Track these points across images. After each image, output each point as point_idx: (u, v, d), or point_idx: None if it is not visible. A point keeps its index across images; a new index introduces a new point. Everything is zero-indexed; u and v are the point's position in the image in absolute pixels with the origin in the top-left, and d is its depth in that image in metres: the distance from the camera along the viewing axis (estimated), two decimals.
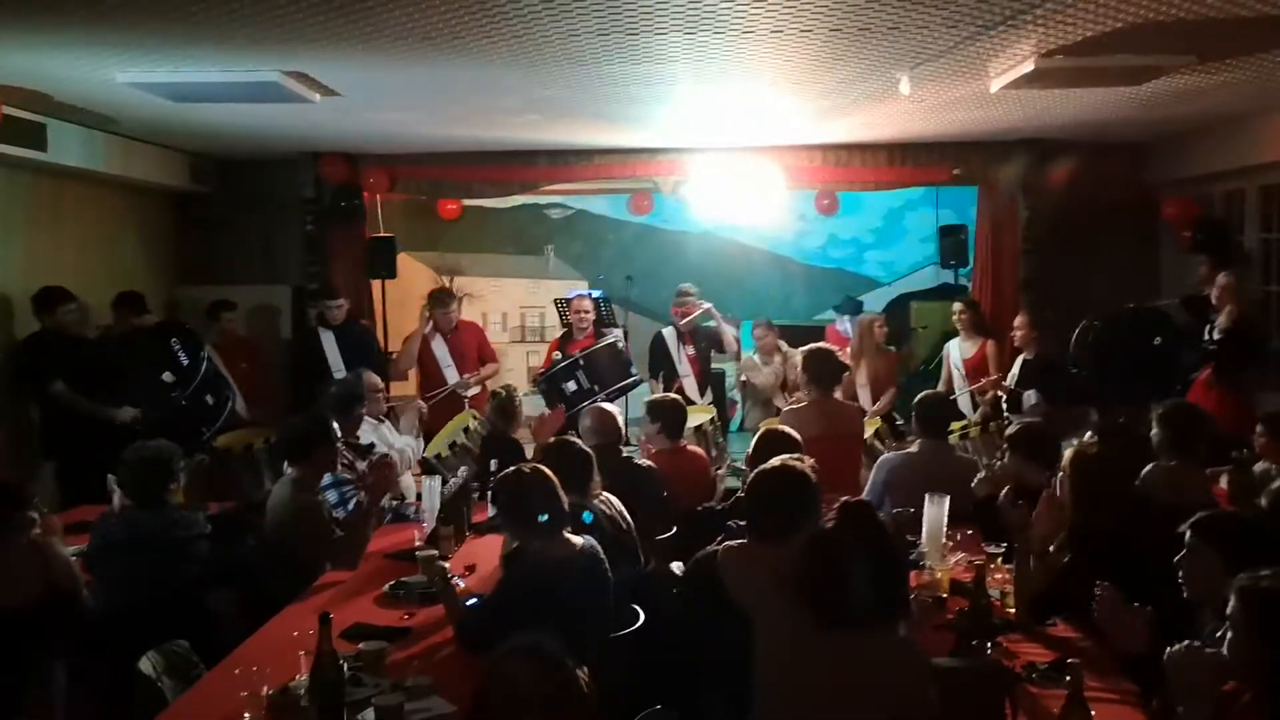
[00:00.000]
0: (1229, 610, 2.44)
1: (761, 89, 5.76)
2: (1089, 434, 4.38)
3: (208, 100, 5.67)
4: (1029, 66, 5.01)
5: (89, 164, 6.89)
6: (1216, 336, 6.52)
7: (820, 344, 5.81)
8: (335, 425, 4.93)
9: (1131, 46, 4.83)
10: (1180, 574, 3.07)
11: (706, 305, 7.91)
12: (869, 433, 6.92)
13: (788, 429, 4.80)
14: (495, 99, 6.02)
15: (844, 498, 3.12)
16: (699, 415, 7.36)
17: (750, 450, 4.67)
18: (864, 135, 7.89)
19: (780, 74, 5.33)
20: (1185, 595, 3.07)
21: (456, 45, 4.56)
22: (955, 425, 6.68)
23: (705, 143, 8.22)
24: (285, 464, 4.91)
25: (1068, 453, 4.02)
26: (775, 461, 3.62)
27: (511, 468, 3.93)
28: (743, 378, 8.27)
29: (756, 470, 3.63)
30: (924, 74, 5.32)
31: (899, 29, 4.41)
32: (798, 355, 5.87)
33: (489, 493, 5.39)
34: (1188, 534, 3.06)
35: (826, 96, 6.03)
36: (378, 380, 6.23)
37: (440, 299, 7.94)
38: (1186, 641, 2.63)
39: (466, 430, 6.46)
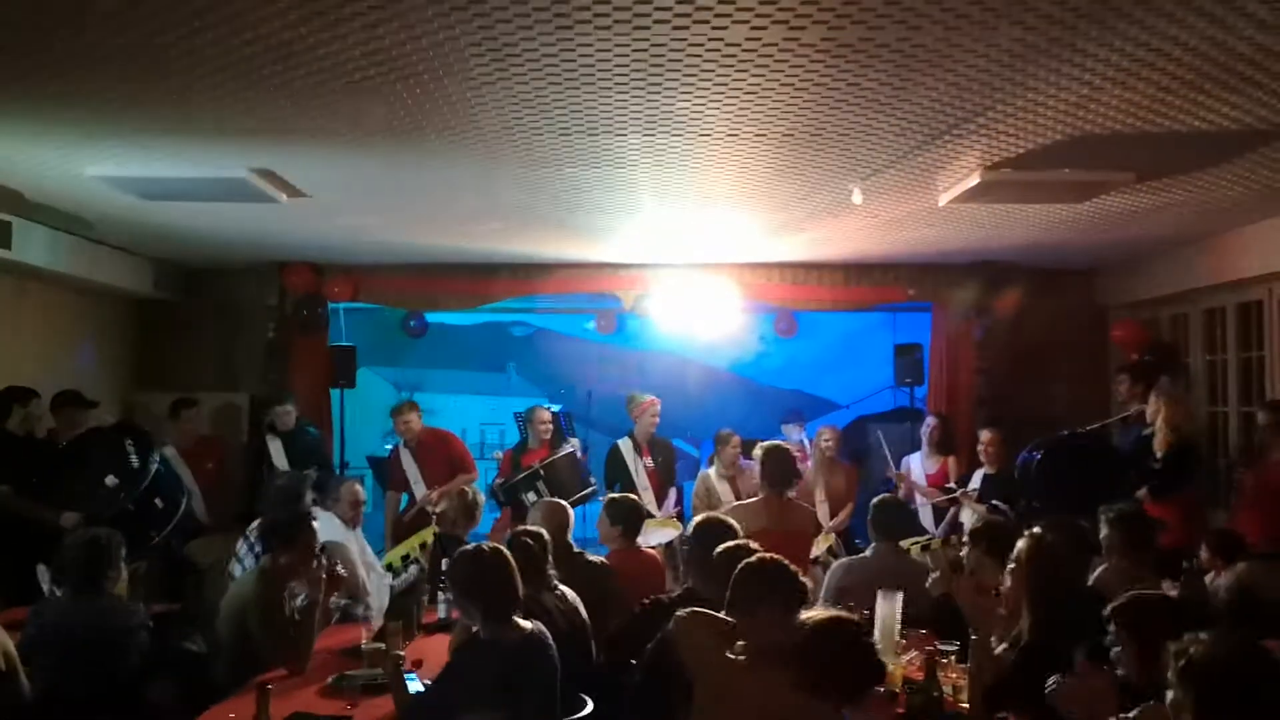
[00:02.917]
0: (1170, 675, 2.48)
1: (719, 198, 5.92)
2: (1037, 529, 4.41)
3: (176, 198, 5.74)
4: (975, 179, 5.20)
5: (53, 265, 6.91)
6: (1157, 456, 6.62)
7: (778, 442, 5.84)
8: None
9: (1072, 161, 5.05)
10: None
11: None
12: (822, 549, 6.92)
13: (726, 518, 4.79)
14: (458, 201, 6.14)
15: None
16: (663, 530, 7.33)
17: (690, 533, 4.65)
18: (820, 253, 8.10)
19: (737, 182, 5.50)
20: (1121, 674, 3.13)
21: (418, 139, 4.67)
22: (918, 540, 6.73)
23: (666, 259, 8.40)
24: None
25: (1021, 543, 4.06)
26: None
27: (470, 546, 3.90)
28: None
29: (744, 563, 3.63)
30: (875, 185, 5.51)
31: (849, 135, 4.58)
32: (757, 451, 5.89)
33: (438, 594, 5.35)
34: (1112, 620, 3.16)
35: (783, 209, 6.21)
36: (360, 491, 6.17)
37: (397, 408, 7.96)
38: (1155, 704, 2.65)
39: (424, 546, 6.41)
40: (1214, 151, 4.90)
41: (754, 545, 3.95)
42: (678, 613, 3.49)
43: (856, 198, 5.57)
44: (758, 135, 4.59)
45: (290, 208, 5.96)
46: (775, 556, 3.62)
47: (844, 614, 3.22)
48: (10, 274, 6.98)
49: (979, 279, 8.34)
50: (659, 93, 3.98)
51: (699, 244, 7.74)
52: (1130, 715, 2.68)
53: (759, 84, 3.87)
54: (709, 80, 3.83)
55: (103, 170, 5.22)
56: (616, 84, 3.88)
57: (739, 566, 3.52)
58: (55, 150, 4.97)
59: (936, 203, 5.85)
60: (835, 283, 8.66)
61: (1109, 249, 7.78)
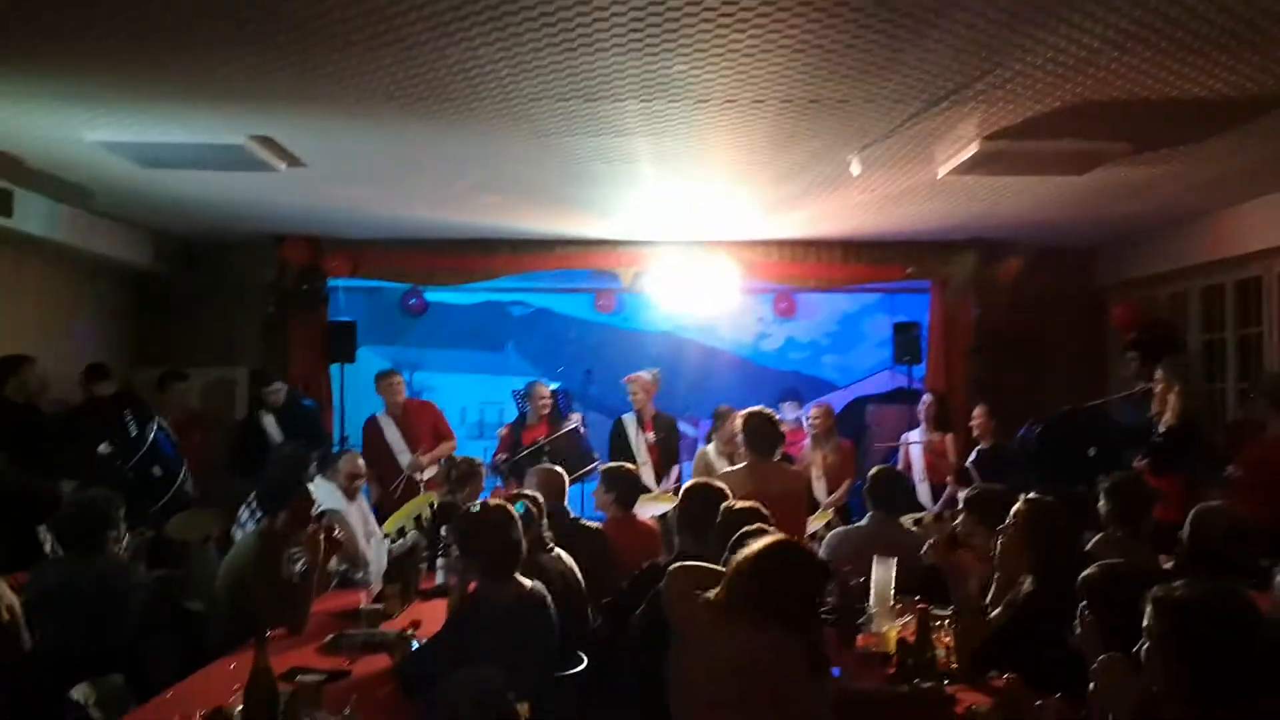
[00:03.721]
0: (1145, 623, 2.48)
1: (717, 169, 5.93)
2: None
3: (175, 166, 5.75)
4: (973, 149, 5.21)
5: (53, 234, 6.93)
6: (1160, 432, 6.64)
7: (759, 408, 5.84)
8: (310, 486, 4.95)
9: (1071, 131, 5.06)
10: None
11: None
12: (820, 525, 6.94)
13: (715, 481, 4.82)
14: (457, 174, 6.15)
15: None
16: (659, 504, 7.34)
17: (679, 501, 4.68)
18: (819, 230, 8.11)
19: (735, 151, 5.50)
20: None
21: (418, 107, 4.69)
22: (911, 515, 6.76)
23: (665, 236, 8.41)
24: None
25: (1018, 505, 4.07)
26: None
27: (476, 503, 3.95)
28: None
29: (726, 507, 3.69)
30: (873, 156, 5.51)
31: (848, 102, 4.59)
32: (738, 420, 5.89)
33: (436, 560, 5.39)
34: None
35: (781, 181, 6.22)
36: (361, 464, 6.19)
37: (385, 373, 8.05)
38: (1112, 653, 2.65)
39: (419, 518, 6.44)
40: (1212, 121, 4.91)
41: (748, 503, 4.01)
42: (670, 567, 3.52)
43: (855, 169, 5.57)
44: (755, 101, 4.60)
45: (289, 177, 5.96)
46: (755, 504, 3.72)
47: (781, 537, 3.24)
48: (10, 244, 6.99)
49: (976, 257, 8.35)
50: (656, 55, 3.98)
51: (698, 221, 7.75)
52: (1094, 668, 2.66)
53: (756, 46, 3.88)
54: (706, 41, 3.83)
55: (101, 135, 5.23)
56: (614, 45, 3.89)
57: (722, 510, 3.59)
58: (54, 114, 4.97)
59: (935, 175, 5.86)
60: (833, 260, 8.67)
61: (1107, 226, 7.79)
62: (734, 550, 3.37)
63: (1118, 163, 5.64)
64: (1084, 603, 3.08)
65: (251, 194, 6.78)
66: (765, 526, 3.67)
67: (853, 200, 6.76)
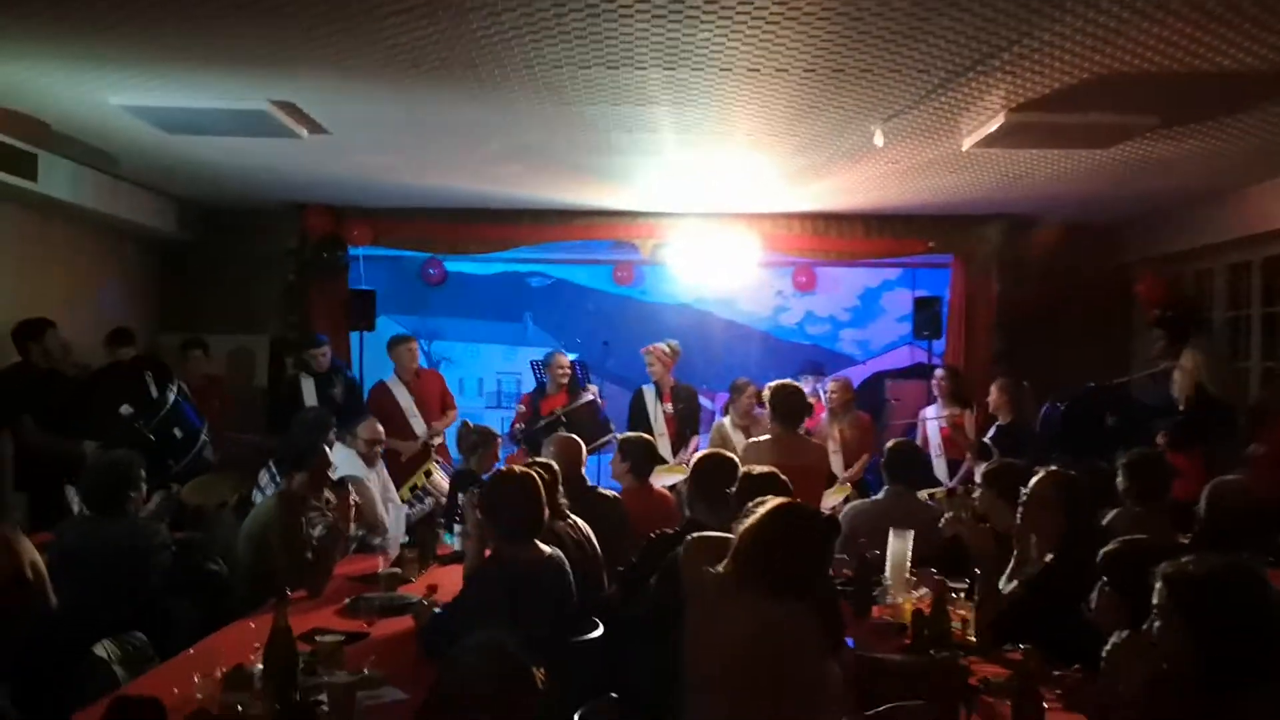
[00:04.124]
0: (1155, 599, 2.46)
1: (739, 139, 5.89)
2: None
3: (197, 131, 5.76)
4: (999, 121, 5.17)
5: (78, 199, 6.96)
6: (1180, 408, 6.61)
7: (787, 381, 5.84)
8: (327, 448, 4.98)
9: (1098, 104, 5.01)
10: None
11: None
12: (838, 499, 6.94)
13: (726, 452, 4.83)
14: (478, 143, 6.15)
15: None
16: (674, 475, 7.36)
17: (691, 471, 4.68)
18: (840, 203, 8.06)
19: (757, 122, 5.47)
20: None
21: (440, 73, 4.68)
22: (927, 490, 6.75)
23: (685, 207, 8.38)
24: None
25: (1038, 477, 4.06)
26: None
27: (501, 469, 3.99)
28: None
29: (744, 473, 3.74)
30: (898, 128, 5.47)
31: (872, 71, 4.55)
32: (765, 392, 5.90)
33: (453, 526, 5.43)
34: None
35: (804, 152, 6.18)
36: (380, 430, 6.23)
37: (401, 338, 8.09)
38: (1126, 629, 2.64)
39: (428, 474, 6.51)
40: (1241, 95, 4.85)
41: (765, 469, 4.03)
42: (687, 538, 3.52)
43: (878, 140, 5.53)
44: (779, 70, 4.56)
45: (311, 145, 5.97)
46: (773, 470, 3.71)
47: (783, 500, 3.21)
48: (37, 209, 7.03)
49: (1000, 231, 8.29)
50: (680, 21, 3.95)
51: (718, 192, 7.71)
52: (1109, 646, 2.65)
53: (781, 12, 3.84)
54: (731, 7, 3.80)
55: (125, 100, 5.24)
56: (639, 11, 3.86)
57: (740, 475, 3.58)
58: (78, 78, 4.98)
59: (959, 147, 5.81)
60: (855, 234, 8.62)
61: (1132, 202, 7.72)
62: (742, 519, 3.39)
63: (1145, 137, 5.58)
64: (1104, 578, 3.08)
65: (274, 161, 6.80)
66: (779, 496, 3.68)
67: (875, 172, 6.72)
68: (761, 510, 3.08)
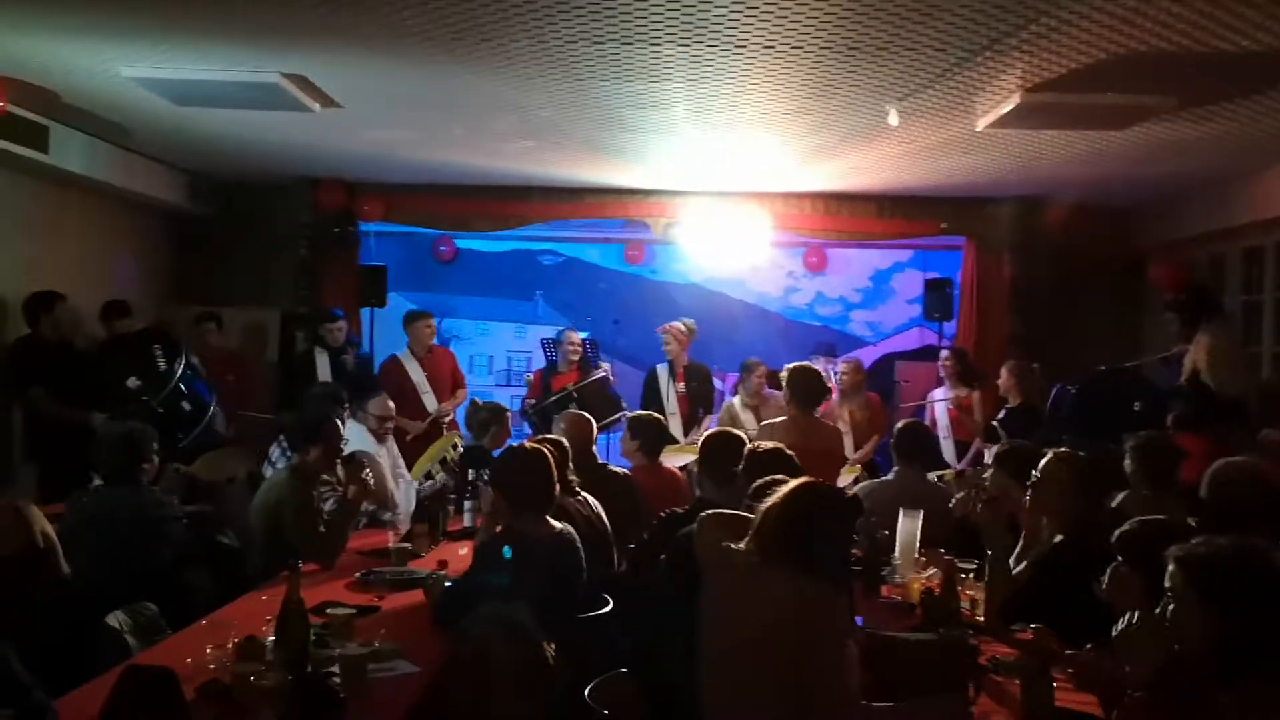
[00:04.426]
0: (1167, 581, 2.45)
1: (753, 117, 5.86)
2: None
3: (209, 104, 5.75)
4: (1014, 101, 5.14)
5: (90, 171, 6.96)
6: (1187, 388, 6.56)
7: (805, 363, 5.83)
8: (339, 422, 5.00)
9: (1115, 84, 4.97)
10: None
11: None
12: (848, 480, 6.94)
13: (735, 430, 4.82)
14: (490, 118, 6.13)
15: None
16: (685, 455, 7.36)
17: (700, 449, 4.68)
18: (854, 183, 8.03)
19: (771, 100, 5.44)
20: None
21: (453, 47, 4.66)
22: (937, 472, 6.75)
23: (697, 186, 8.36)
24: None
25: (1047, 458, 4.06)
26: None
27: (514, 445, 4.01)
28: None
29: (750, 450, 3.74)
30: (912, 107, 5.45)
31: (887, 50, 4.52)
32: (783, 374, 5.90)
33: (464, 503, 5.44)
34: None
35: (817, 131, 6.15)
36: (390, 406, 6.24)
37: (418, 313, 8.10)
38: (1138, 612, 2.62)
39: (444, 460, 6.51)
40: (1261, 76, 4.81)
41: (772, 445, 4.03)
42: (701, 514, 3.52)
43: (893, 119, 5.51)
44: (794, 48, 4.54)
45: (323, 119, 5.97)
46: (780, 446, 3.71)
47: (807, 479, 3.17)
48: (51, 182, 7.04)
49: (1013, 213, 8.26)
50: None
51: (730, 171, 7.69)
52: (1121, 627, 2.63)
53: None
54: None
55: (137, 71, 5.23)
56: None
57: (747, 452, 3.58)
58: (90, 49, 4.98)
59: (974, 127, 5.78)
60: (867, 214, 8.60)
61: (1147, 185, 7.68)
62: (757, 498, 3.37)
63: (1161, 118, 5.54)
64: (1119, 557, 3.07)
65: (286, 136, 6.79)
66: (787, 474, 3.68)
67: (889, 152, 6.69)
68: (786, 489, 3.05)
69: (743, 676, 2.87)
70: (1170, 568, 2.44)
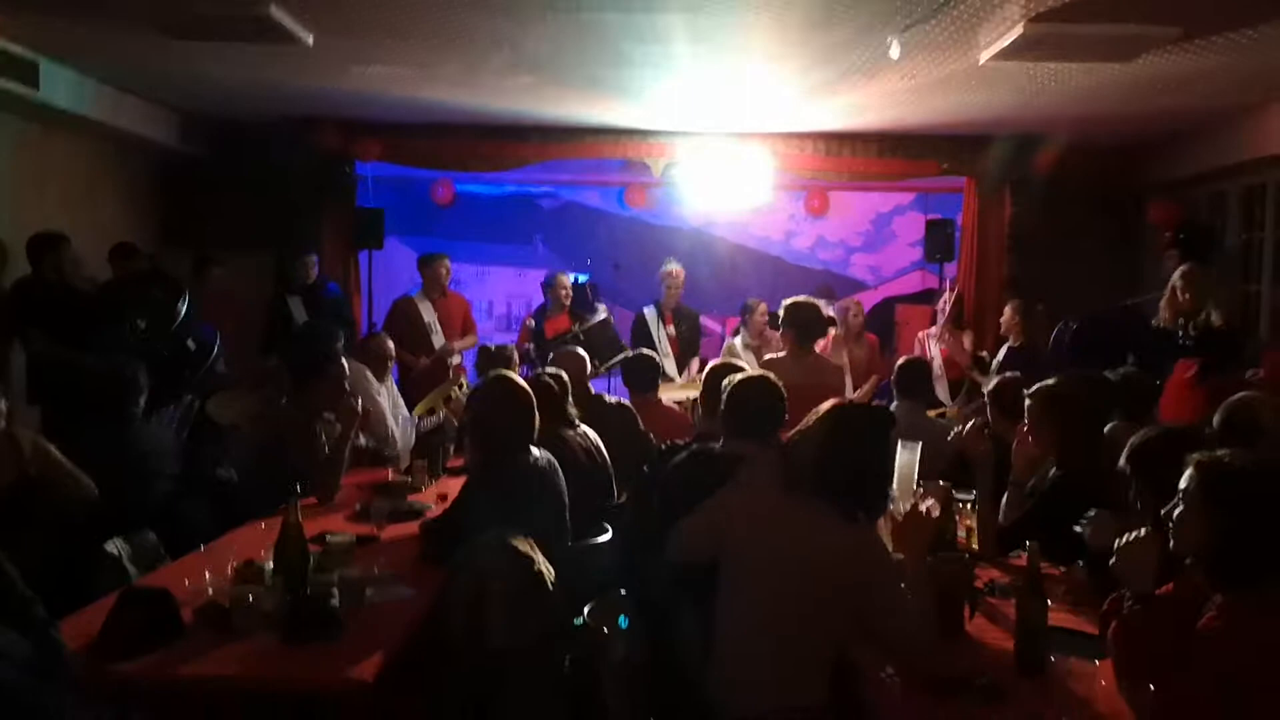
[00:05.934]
0: (1183, 486, 2.43)
1: (753, 51, 5.79)
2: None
3: (199, 37, 5.62)
4: (1018, 31, 5.06)
5: (78, 108, 6.87)
6: (1193, 334, 6.53)
7: (805, 297, 5.80)
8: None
9: (1119, 14, 4.90)
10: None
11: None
12: None
13: (737, 362, 4.81)
14: (486, 53, 6.03)
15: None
16: (680, 392, 7.38)
17: (703, 383, 4.66)
18: (854, 122, 7.96)
19: (771, 32, 5.36)
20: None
21: None
22: (934, 411, 6.76)
23: (697, 126, 8.28)
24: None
25: (1033, 390, 4.06)
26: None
27: (492, 376, 3.97)
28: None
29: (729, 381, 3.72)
30: (914, 39, 5.37)
31: None
32: (781, 310, 5.88)
33: (465, 442, 5.44)
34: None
35: (818, 66, 6.08)
36: (390, 346, 6.23)
37: (434, 255, 8.05)
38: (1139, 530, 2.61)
39: (448, 400, 6.52)
40: (1269, 6, 4.74)
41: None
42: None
43: (894, 52, 5.44)
44: None
45: (316, 55, 5.86)
46: (764, 374, 3.70)
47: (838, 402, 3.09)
48: (37, 120, 6.97)
49: (1014, 152, 8.19)
50: None
51: (731, 109, 7.61)
52: (1121, 542, 2.61)
53: None
54: None
55: None
56: None
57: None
58: None
59: (976, 60, 5.69)
60: (869, 154, 8.52)
61: (1149, 122, 7.60)
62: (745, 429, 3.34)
63: (1165, 50, 5.47)
64: (1128, 468, 3.04)
65: (279, 74, 6.69)
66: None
67: (891, 88, 6.61)
68: (815, 416, 2.97)
69: (769, 603, 2.82)
70: (1189, 472, 2.42)
